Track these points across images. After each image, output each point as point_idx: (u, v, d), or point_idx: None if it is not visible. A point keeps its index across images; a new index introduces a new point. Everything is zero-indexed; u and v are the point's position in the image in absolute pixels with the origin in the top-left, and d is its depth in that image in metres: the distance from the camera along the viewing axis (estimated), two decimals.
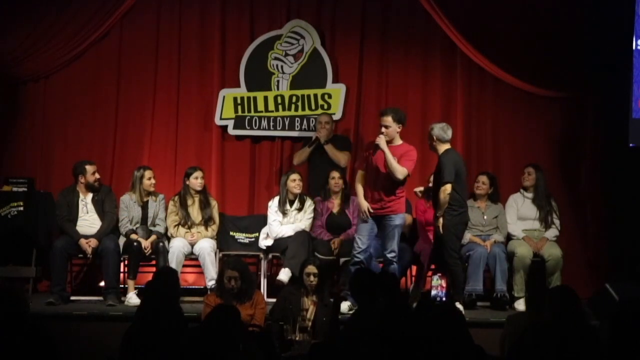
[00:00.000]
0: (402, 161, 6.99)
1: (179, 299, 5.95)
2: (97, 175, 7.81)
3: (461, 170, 7.12)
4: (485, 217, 7.95)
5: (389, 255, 7.03)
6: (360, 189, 7.17)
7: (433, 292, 7.35)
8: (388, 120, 7.04)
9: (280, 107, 8.72)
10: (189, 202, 7.94)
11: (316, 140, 8.22)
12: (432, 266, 7.74)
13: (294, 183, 7.87)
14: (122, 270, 7.83)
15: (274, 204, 7.95)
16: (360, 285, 5.66)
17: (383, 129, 7.04)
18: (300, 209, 7.90)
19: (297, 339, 6.19)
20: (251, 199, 8.80)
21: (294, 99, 8.72)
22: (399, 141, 7.12)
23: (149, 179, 7.88)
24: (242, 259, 7.17)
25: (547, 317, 4.64)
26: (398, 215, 7.04)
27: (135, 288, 7.51)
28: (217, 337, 4.29)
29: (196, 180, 7.93)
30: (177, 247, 7.65)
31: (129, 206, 7.82)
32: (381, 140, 6.97)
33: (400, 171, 6.94)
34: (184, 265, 7.87)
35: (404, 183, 7.06)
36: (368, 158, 7.17)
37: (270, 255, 8.00)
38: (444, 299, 7.29)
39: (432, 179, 7.76)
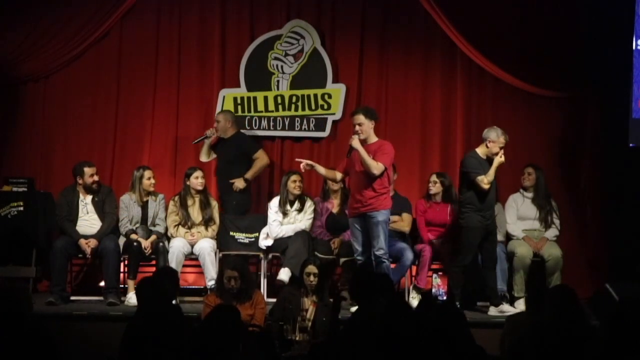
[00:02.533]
0: (378, 156, 6.96)
1: (177, 297, 5.95)
2: (95, 178, 7.78)
3: None
4: None
5: (377, 253, 6.98)
6: (327, 170, 7.42)
7: (433, 291, 7.36)
8: (360, 118, 7.04)
9: (280, 107, 8.72)
10: (189, 202, 7.94)
11: (204, 137, 8.33)
12: (433, 265, 7.77)
13: (295, 184, 7.87)
14: (122, 270, 7.83)
15: (274, 204, 7.95)
16: (360, 285, 5.66)
17: (357, 128, 7.03)
18: (300, 210, 7.90)
19: (297, 339, 6.19)
20: (251, 198, 8.79)
21: (294, 99, 8.72)
22: (373, 138, 7.09)
23: (149, 178, 7.88)
24: (242, 259, 7.17)
25: (547, 317, 4.63)
26: (380, 211, 6.97)
27: (135, 288, 7.50)
28: (217, 337, 4.29)
29: (196, 180, 7.93)
30: (177, 247, 7.65)
31: (128, 206, 7.82)
32: (354, 141, 6.96)
33: (376, 167, 6.91)
34: (184, 265, 7.87)
35: (382, 177, 6.97)
36: (348, 162, 7.17)
37: (270, 255, 8.00)
38: (444, 298, 7.30)
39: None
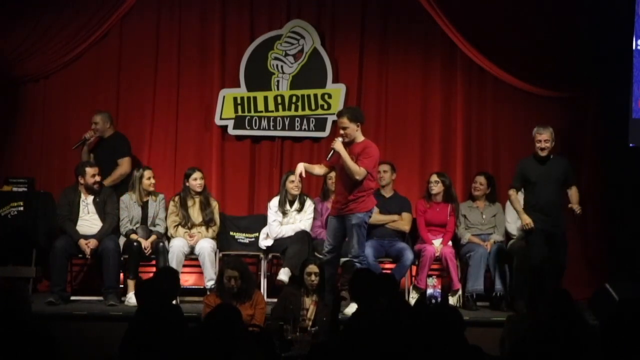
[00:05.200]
0: (361, 159, 6.86)
1: (177, 297, 5.95)
2: (97, 178, 7.78)
3: None
4: (484, 216, 7.95)
5: (349, 256, 6.95)
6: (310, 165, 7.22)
7: (429, 292, 7.35)
8: (344, 121, 6.95)
9: (280, 107, 8.72)
10: (190, 203, 7.93)
11: (83, 140, 8.23)
12: (432, 266, 7.76)
13: (292, 184, 7.86)
14: (122, 270, 7.83)
15: (273, 204, 7.95)
16: (360, 286, 5.66)
17: (342, 131, 6.96)
18: (300, 210, 7.90)
19: (297, 339, 6.18)
20: (251, 199, 8.80)
21: (294, 99, 8.72)
22: (360, 138, 7.01)
23: (149, 178, 7.88)
24: (242, 259, 7.18)
25: (544, 319, 4.65)
26: (355, 214, 6.85)
27: (135, 289, 7.49)
28: (217, 337, 4.28)
29: (195, 182, 7.93)
30: (177, 247, 7.64)
31: (128, 206, 7.82)
32: (336, 144, 6.89)
33: (358, 172, 6.80)
34: (184, 265, 7.86)
35: (364, 181, 6.87)
36: (333, 160, 7.09)
37: (270, 255, 8.00)
38: (439, 298, 7.29)
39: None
